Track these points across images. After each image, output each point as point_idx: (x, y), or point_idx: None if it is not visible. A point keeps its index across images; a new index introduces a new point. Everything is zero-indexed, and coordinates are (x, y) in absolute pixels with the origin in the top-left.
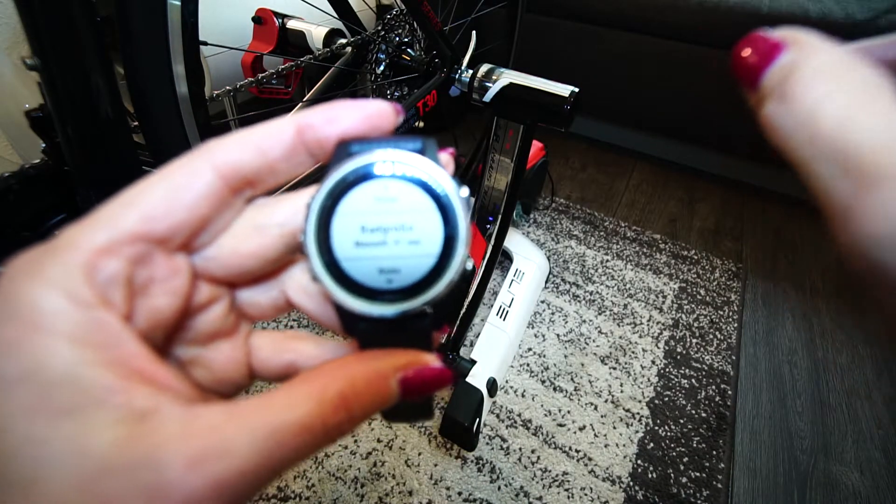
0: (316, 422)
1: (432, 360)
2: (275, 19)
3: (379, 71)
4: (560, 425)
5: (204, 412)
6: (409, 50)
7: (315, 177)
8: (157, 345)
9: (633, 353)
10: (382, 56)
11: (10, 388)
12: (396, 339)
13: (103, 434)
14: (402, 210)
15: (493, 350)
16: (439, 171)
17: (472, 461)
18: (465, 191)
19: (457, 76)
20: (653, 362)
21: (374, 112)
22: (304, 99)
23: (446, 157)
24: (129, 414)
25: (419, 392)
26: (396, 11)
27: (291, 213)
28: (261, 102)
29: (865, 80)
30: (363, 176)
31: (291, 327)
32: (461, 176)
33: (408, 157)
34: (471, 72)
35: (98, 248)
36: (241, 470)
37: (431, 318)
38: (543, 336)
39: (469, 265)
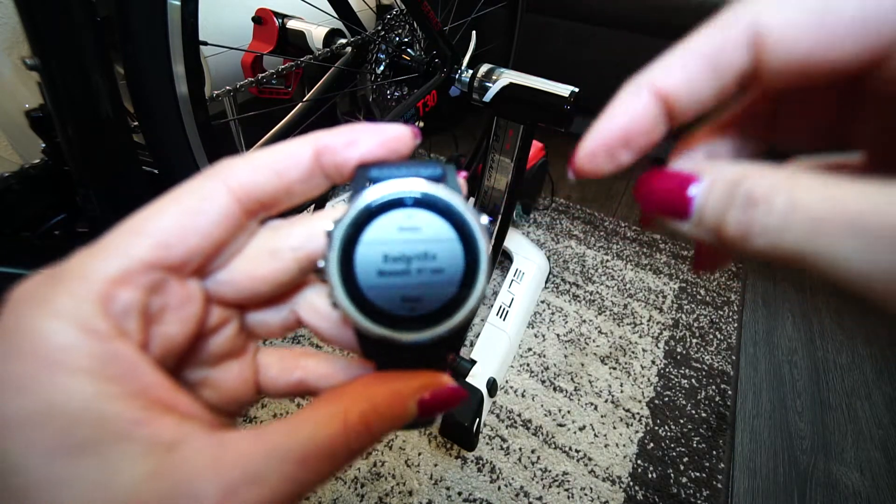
0: (340, 443)
1: (448, 381)
2: (275, 19)
3: (379, 71)
4: (560, 425)
5: (231, 439)
6: (409, 50)
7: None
8: (169, 371)
9: (633, 353)
10: (382, 56)
11: (22, 428)
12: (413, 360)
13: (131, 468)
14: (425, 239)
15: (493, 350)
16: (460, 199)
17: (472, 461)
18: (486, 218)
19: (457, 76)
20: (653, 362)
21: (393, 136)
22: (304, 99)
23: (461, 181)
24: (156, 446)
25: (436, 411)
26: (396, 11)
27: (306, 236)
28: (261, 102)
29: (790, 170)
30: (387, 205)
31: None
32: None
33: (430, 187)
34: (471, 72)
35: (112, 278)
36: (273, 497)
37: (448, 341)
38: (543, 336)
39: (489, 292)
